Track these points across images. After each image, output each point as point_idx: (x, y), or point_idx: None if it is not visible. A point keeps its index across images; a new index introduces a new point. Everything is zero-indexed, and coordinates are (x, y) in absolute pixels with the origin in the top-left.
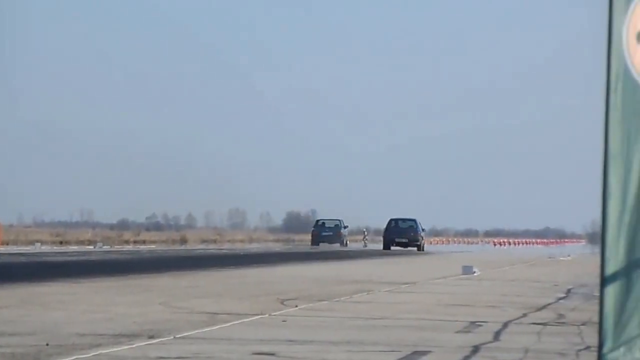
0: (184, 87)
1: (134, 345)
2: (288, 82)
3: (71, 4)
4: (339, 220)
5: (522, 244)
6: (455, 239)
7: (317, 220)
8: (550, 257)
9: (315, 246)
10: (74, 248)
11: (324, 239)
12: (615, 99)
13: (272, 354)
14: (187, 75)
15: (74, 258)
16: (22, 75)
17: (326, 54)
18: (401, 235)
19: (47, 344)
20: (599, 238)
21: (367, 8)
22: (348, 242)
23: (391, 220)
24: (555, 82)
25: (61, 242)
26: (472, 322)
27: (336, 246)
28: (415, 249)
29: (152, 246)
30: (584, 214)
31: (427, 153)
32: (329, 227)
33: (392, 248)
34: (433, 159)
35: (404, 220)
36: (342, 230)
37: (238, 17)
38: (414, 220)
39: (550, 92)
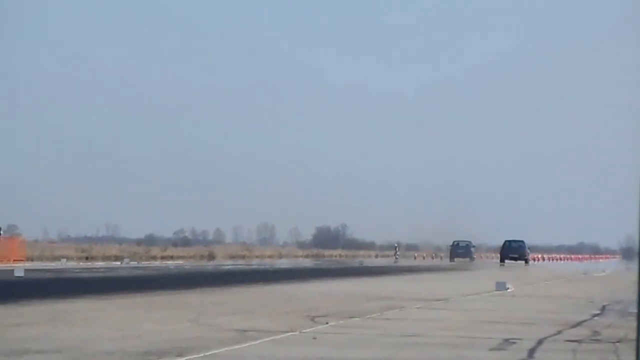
0: (207, 101)
1: None
2: (313, 96)
3: (108, 13)
4: (468, 241)
5: (556, 259)
6: (488, 255)
7: (453, 242)
8: (584, 273)
9: (452, 261)
10: (100, 264)
11: (458, 255)
12: None
13: None
14: (209, 91)
15: (101, 274)
16: (48, 88)
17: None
18: (513, 252)
19: None
20: (634, 254)
21: None
22: (475, 257)
23: (506, 241)
24: (590, 100)
25: (87, 258)
26: (506, 339)
27: (467, 260)
28: (523, 262)
29: (180, 262)
30: (618, 230)
31: (454, 168)
32: (462, 246)
33: (506, 261)
34: (462, 174)
35: (515, 241)
36: (472, 249)
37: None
38: (522, 241)
39: (584, 109)
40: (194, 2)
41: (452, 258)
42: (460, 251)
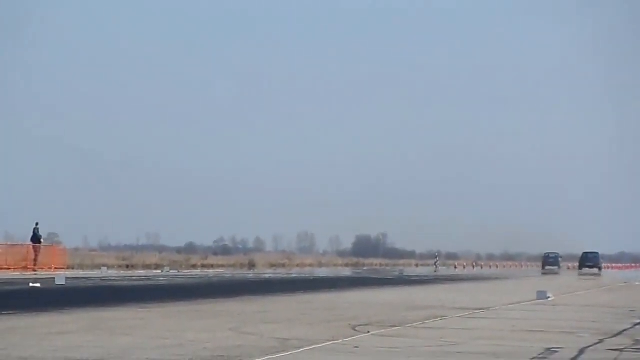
0: (244, 115)
1: None
2: (350, 103)
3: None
4: (557, 252)
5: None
6: (529, 264)
7: (545, 253)
8: (625, 282)
9: (544, 270)
10: (140, 272)
11: (549, 264)
12: None
13: None
14: (244, 101)
15: (141, 283)
16: (88, 101)
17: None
18: (589, 262)
19: None
20: None
21: None
22: (561, 266)
23: (583, 253)
24: (623, 110)
25: (127, 267)
26: (548, 349)
27: (555, 269)
28: (597, 270)
29: (220, 270)
30: None
31: (484, 181)
32: (552, 257)
33: (583, 269)
34: (493, 188)
35: (591, 252)
36: (559, 259)
37: None
38: (597, 253)
39: (620, 118)
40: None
41: (543, 267)
42: (551, 261)
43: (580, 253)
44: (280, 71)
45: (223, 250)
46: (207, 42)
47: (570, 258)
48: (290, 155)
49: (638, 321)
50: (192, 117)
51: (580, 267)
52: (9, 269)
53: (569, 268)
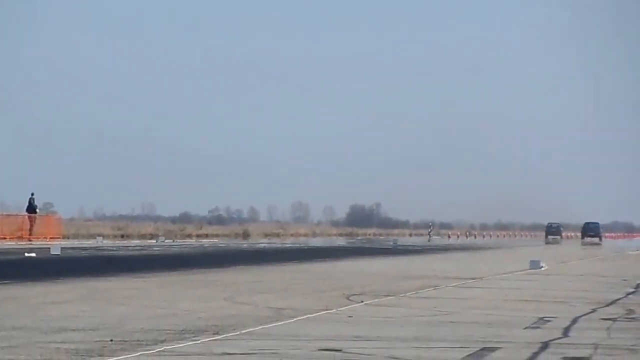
0: (239, 86)
1: (199, 341)
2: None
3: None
4: (559, 223)
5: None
6: (522, 233)
7: (548, 223)
8: (618, 251)
9: (547, 239)
10: (135, 242)
11: (552, 233)
12: None
13: (339, 350)
14: (240, 75)
15: (136, 252)
16: (83, 76)
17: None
18: (591, 231)
19: (111, 340)
20: None
21: None
22: (562, 236)
23: (585, 223)
24: (616, 82)
25: (123, 236)
26: (541, 318)
27: (558, 238)
28: (598, 239)
29: (215, 240)
30: None
31: (477, 152)
32: (555, 227)
33: (585, 239)
34: (496, 159)
35: (592, 223)
36: (561, 229)
37: None
38: (597, 223)
39: (613, 89)
40: None
41: (546, 236)
42: (553, 230)
43: (574, 222)
44: (274, 46)
45: (218, 220)
46: (201, 18)
47: (565, 228)
48: (284, 125)
49: (631, 290)
50: (186, 89)
51: (583, 236)
52: (5, 238)
53: (562, 237)
